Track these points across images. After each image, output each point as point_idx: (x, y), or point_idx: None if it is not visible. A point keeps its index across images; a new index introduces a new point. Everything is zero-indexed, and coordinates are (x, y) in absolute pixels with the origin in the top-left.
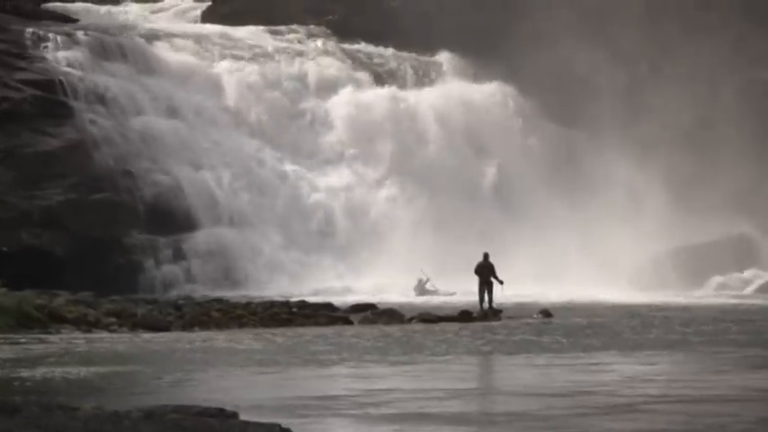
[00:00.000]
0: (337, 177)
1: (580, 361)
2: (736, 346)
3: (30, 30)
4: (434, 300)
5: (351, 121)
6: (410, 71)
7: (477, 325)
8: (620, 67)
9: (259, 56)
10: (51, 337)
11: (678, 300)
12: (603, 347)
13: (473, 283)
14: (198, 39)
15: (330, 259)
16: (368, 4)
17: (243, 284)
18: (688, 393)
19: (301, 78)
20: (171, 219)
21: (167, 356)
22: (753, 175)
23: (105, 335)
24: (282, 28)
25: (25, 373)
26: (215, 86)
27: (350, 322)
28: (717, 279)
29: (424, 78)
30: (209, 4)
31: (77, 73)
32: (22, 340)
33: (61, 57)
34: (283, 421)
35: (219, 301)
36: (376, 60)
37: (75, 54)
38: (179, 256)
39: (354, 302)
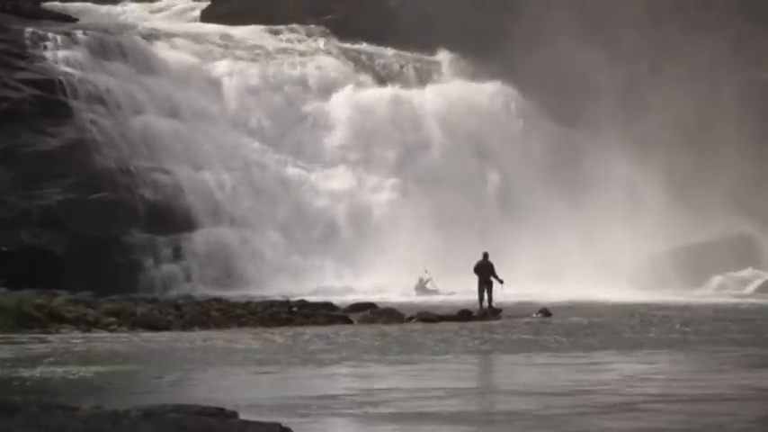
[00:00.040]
0: (338, 177)
1: (580, 360)
2: (735, 345)
3: (29, 29)
4: (434, 299)
5: (352, 121)
6: (411, 71)
7: (477, 324)
8: (620, 67)
9: (259, 55)
10: (51, 337)
11: (678, 299)
12: (603, 347)
13: (473, 282)
14: (198, 38)
15: (330, 259)
16: (367, 3)
17: (243, 284)
18: (687, 392)
19: (302, 78)
20: (170, 218)
21: (167, 356)
22: (752, 174)
23: (105, 334)
24: (282, 27)
25: (25, 373)
26: (215, 86)
27: (349, 321)
28: (716, 278)
29: (424, 78)
30: (209, 3)
31: (77, 73)
32: (22, 340)
33: (61, 56)
34: (283, 420)
35: (219, 300)
36: (377, 60)
37: (75, 54)
38: (178, 255)
39: (354, 302)
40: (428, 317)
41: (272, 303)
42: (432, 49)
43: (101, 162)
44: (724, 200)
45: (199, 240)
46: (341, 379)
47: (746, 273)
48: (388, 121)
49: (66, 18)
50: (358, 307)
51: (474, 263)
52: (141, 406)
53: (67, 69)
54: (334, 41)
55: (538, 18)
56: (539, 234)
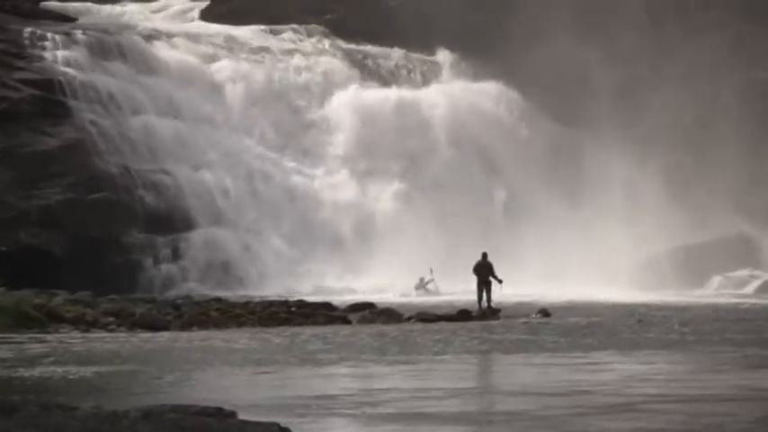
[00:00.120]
0: (342, 186)
1: (578, 360)
2: (734, 345)
3: (28, 29)
4: (433, 299)
5: (353, 122)
6: (415, 72)
7: (476, 324)
8: (619, 67)
9: (259, 55)
10: (49, 337)
11: (677, 299)
12: (602, 347)
13: (472, 282)
14: (197, 38)
15: (330, 259)
16: (366, 3)
17: (242, 284)
18: (686, 393)
19: (302, 78)
20: (169, 218)
21: (165, 356)
22: (752, 174)
23: (104, 334)
24: (281, 27)
25: (24, 373)
26: (214, 86)
27: (348, 321)
28: (716, 279)
29: (424, 78)
30: (208, 3)
31: (76, 72)
32: (21, 340)
33: (60, 56)
34: (282, 420)
35: (218, 300)
36: (380, 61)
37: (74, 53)
38: (178, 255)
39: (353, 302)
40: (427, 317)
41: (271, 303)
42: (431, 49)
43: (100, 162)
44: (723, 200)
45: (198, 240)
46: (339, 379)
47: (746, 273)
48: (392, 124)
49: (66, 18)
50: (357, 307)
51: (473, 263)
52: (140, 406)
53: (67, 69)
54: (339, 42)
55: (537, 18)
56: (539, 234)
